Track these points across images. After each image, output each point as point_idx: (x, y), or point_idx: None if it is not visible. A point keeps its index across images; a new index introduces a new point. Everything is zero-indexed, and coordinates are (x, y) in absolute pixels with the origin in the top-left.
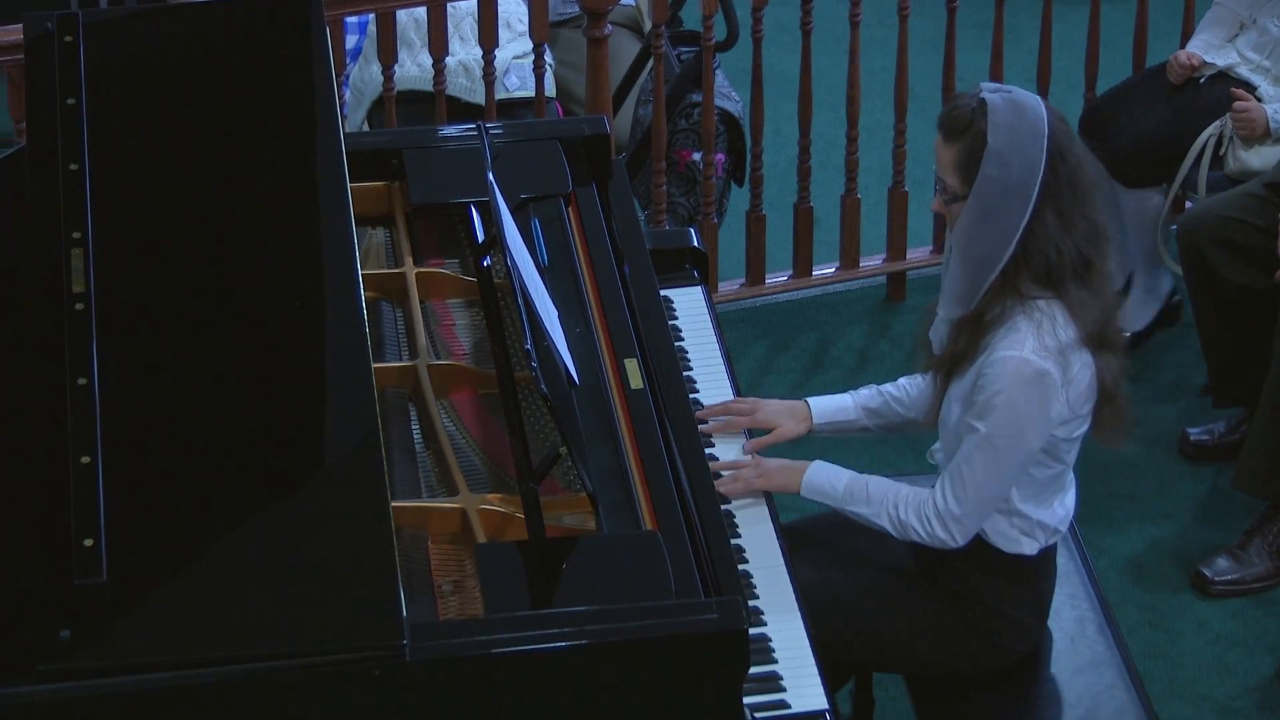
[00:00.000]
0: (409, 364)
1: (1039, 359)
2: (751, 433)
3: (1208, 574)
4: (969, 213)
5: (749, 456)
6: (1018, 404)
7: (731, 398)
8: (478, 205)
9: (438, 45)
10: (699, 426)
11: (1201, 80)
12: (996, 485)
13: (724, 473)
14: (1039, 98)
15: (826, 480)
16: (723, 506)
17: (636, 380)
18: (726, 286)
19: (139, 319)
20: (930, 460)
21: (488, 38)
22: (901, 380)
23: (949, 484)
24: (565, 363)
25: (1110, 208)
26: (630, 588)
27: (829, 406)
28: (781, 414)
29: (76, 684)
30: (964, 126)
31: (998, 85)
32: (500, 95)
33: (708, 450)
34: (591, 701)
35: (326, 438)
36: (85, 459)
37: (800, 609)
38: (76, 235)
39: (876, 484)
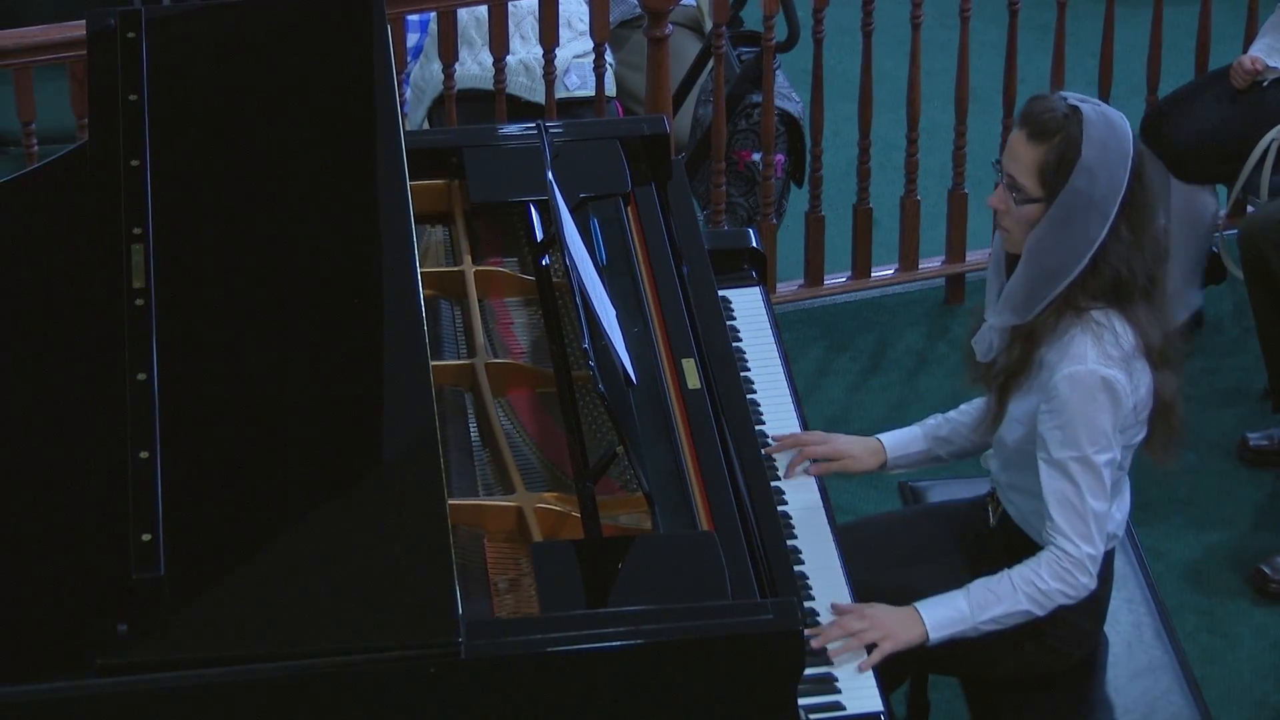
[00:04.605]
0: (467, 362)
1: (1103, 367)
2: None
3: (1267, 571)
4: (1048, 221)
5: (855, 616)
6: (1094, 416)
7: (799, 429)
8: (537, 204)
9: (499, 44)
10: (765, 451)
11: (1264, 84)
12: (1105, 502)
13: (838, 640)
14: (1120, 112)
15: (944, 611)
16: (779, 508)
17: (694, 380)
18: (785, 287)
19: (198, 315)
20: (984, 465)
21: (548, 37)
22: (962, 406)
23: (1070, 530)
24: (623, 362)
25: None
26: (686, 588)
27: (900, 440)
28: (854, 445)
29: (133, 678)
30: (1054, 130)
31: (1081, 96)
32: (560, 94)
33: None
34: (645, 701)
35: (384, 435)
36: (144, 454)
37: None
38: (137, 231)
39: (992, 583)
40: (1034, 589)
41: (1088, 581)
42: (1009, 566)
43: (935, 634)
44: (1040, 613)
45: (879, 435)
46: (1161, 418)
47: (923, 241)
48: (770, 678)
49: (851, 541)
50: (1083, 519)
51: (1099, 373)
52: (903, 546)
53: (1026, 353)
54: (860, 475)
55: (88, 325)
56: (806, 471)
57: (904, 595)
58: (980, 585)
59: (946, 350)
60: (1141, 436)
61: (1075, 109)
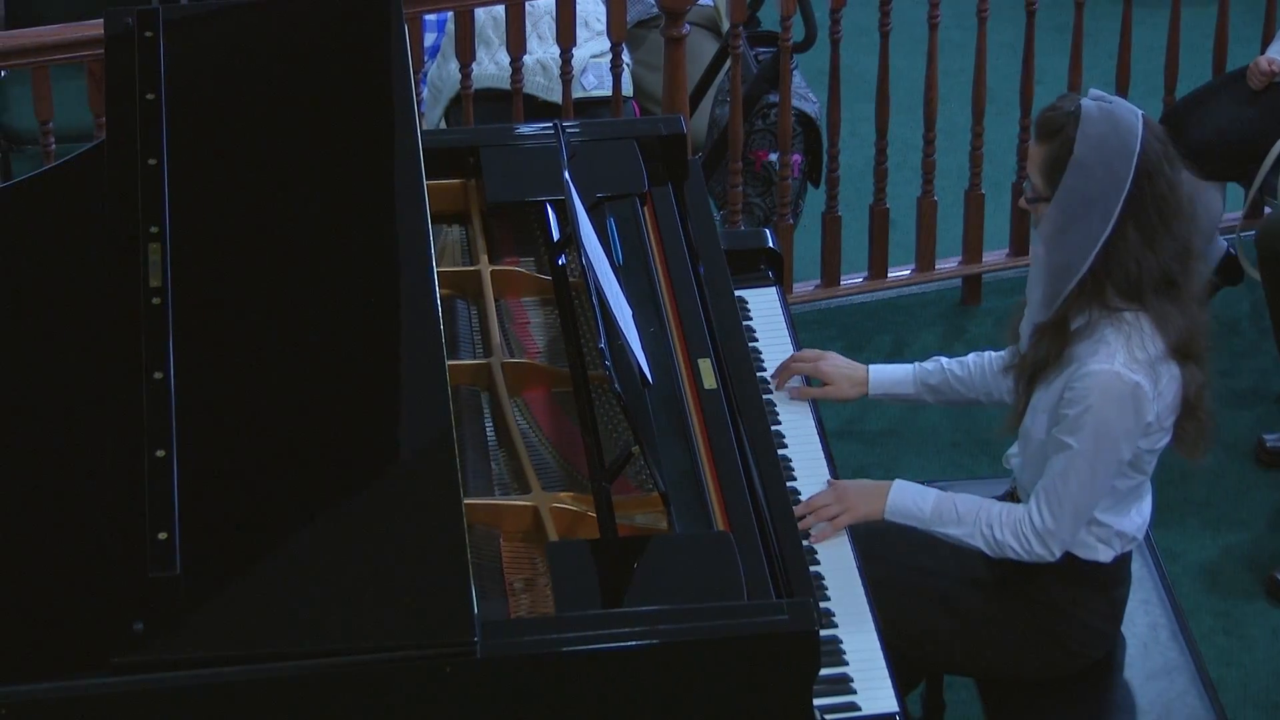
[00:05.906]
0: (483, 361)
1: (1130, 372)
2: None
3: None
4: (1049, 219)
5: (827, 488)
6: (1110, 418)
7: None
8: (553, 203)
9: (515, 43)
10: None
11: None
12: (1091, 498)
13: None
14: (1140, 112)
15: (911, 502)
16: (795, 508)
17: (710, 380)
18: (801, 287)
19: (215, 314)
20: (1006, 465)
21: (565, 36)
22: (970, 357)
23: (1044, 501)
24: (639, 362)
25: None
26: (701, 588)
27: (888, 377)
28: (840, 371)
29: (149, 676)
30: (1055, 130)
31: (1103, 94)
32: (577, 94)
33: (777, 436)
34: (661, 701)
35: (400, 434)
36: (160, 452)
37: (872, 611)
38: (154, 230)
39: (965, 502)
40: (991, 533)
41: (1043, 552)
42: (1027, 569)
43: (890, 518)
44: (990, 553)
45: (869, 366)
46: (1188, 415)
47: (939, 242)
48: (786, 678)
49: (869, 541)
50: (1059, 498)
51: (1125, 377)
52: (919, 545)
53: (1057, 347)
54: (842, 403)
55: (104, 324)
56: (792, 393)
57: (920, 595)
58: (951, 501)
59: (963, 351)
60: (1165, 442)
61: (1079, 108)
